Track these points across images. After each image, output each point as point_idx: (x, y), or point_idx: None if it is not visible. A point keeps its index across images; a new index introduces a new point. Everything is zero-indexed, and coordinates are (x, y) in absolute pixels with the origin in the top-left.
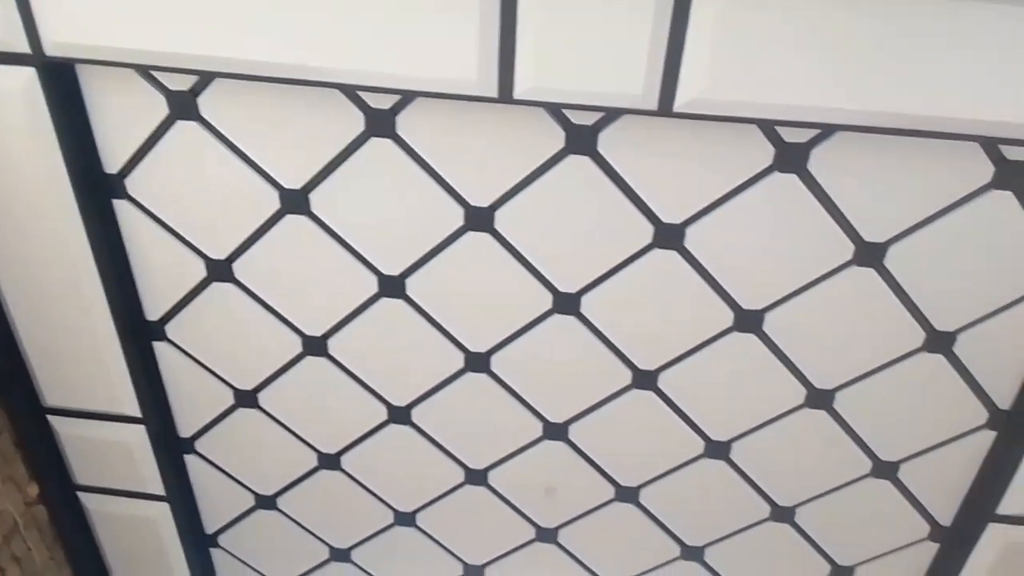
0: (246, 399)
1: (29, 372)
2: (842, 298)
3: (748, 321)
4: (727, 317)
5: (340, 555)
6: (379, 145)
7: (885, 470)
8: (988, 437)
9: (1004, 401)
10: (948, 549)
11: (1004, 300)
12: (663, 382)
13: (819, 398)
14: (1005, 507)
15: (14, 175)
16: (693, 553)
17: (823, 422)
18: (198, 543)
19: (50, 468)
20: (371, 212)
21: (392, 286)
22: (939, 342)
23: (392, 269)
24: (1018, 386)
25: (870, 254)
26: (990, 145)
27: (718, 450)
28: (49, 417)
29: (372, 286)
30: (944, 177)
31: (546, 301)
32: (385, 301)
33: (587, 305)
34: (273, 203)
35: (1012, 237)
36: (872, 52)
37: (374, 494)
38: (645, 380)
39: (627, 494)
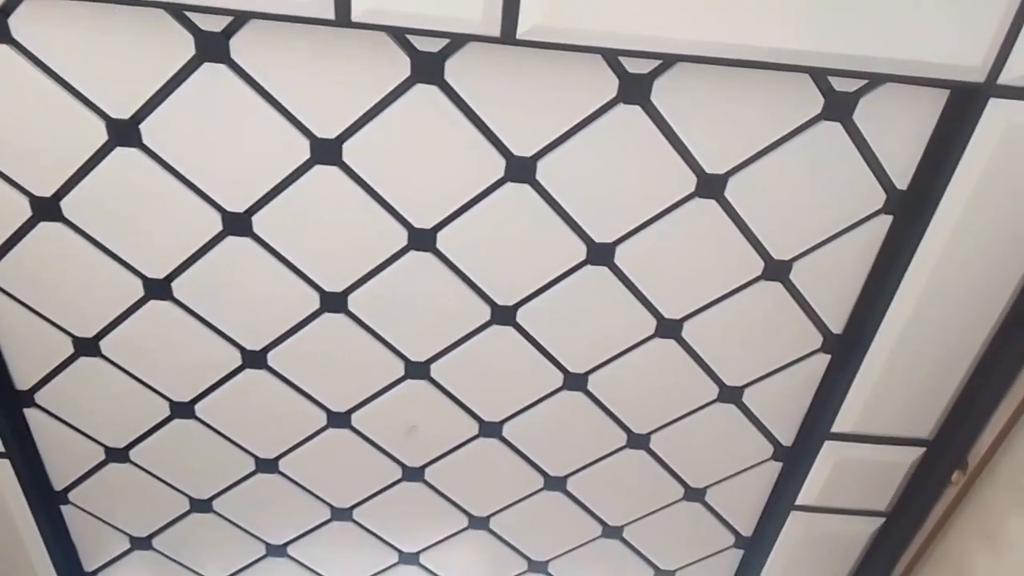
0: (87, 347)
1: None
2: (687, 230)
3: (600, 254)
4: (580, 251)
5: (200, 506)
6: (213, 71)
7: (731, 395)
8: (823, 360)
9: (837, 325)
10: (790, 467)
11: (835, 229)
12: (521, 317)
13: (668, 328)
14: (838, 425)
15: None
16: (556, 483)
17: (673, 351)
18: (46, 500)
19: None
20: (209, 144)
21: (237, 224)
22: (776, 270)
23: (236, 206)
24: (849, 310)
25: (711, 186)
26: (819, 77)
27: (576, 382)
28: None
29: (216, 224)
30: (779, 109)
31: (402, 238)
32: (232, 240)
33: (443, 241)
34: (100, 135)
35: (840, 167)
36: None
37: (232, 441)
38: (504, 315)
39: (490, 429)
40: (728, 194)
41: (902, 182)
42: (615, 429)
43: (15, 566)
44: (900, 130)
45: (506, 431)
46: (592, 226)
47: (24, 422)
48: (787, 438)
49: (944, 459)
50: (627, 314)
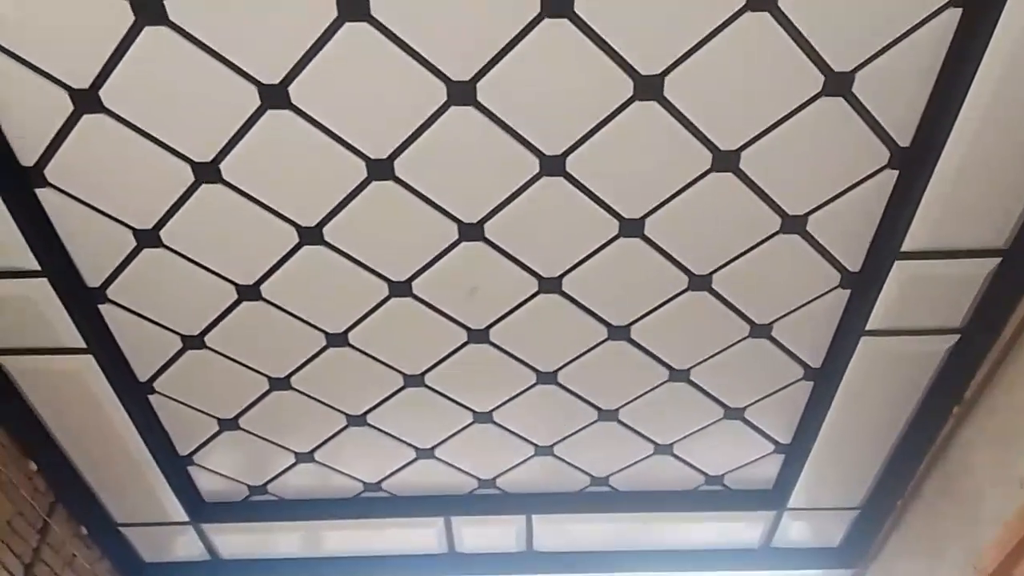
0: (148, 238)
1: None
2: (738, 48)
3: (648, 87)
4: (627, 86)
5: (279, 384)
6: None
7: (794, 224)
8: (891, 177)
9: (904, 138)
10: (858, 292)
11: (898, 31)
12: (570, 165)
13: (725, 160)
14: (908, 244)
15: None
16: (620, 332)
17: (731, 185)
18: (133, 392)
19: None
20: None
21: (275, 96)
22: (837, 84)
23: (270, 77)
24: (916, 121)
25: None
26: None
27: (632, 228)
28: None
29: (254, 99)
30: None
31: (440, 93)
32: (272, 114)
33: (483, 93)
34: None
35: None
36: None
37: (301, 319)
38: (553, 165)
39: (550, 284)
40: (782, 3)
41: None
42: (675, 272)
43: (112, 458)
44: None
45: (565, 285)
46: (637, 58)
47: (101, 318)
48: (854, 263)
49: (1021, 268)
50: (680, 150)
